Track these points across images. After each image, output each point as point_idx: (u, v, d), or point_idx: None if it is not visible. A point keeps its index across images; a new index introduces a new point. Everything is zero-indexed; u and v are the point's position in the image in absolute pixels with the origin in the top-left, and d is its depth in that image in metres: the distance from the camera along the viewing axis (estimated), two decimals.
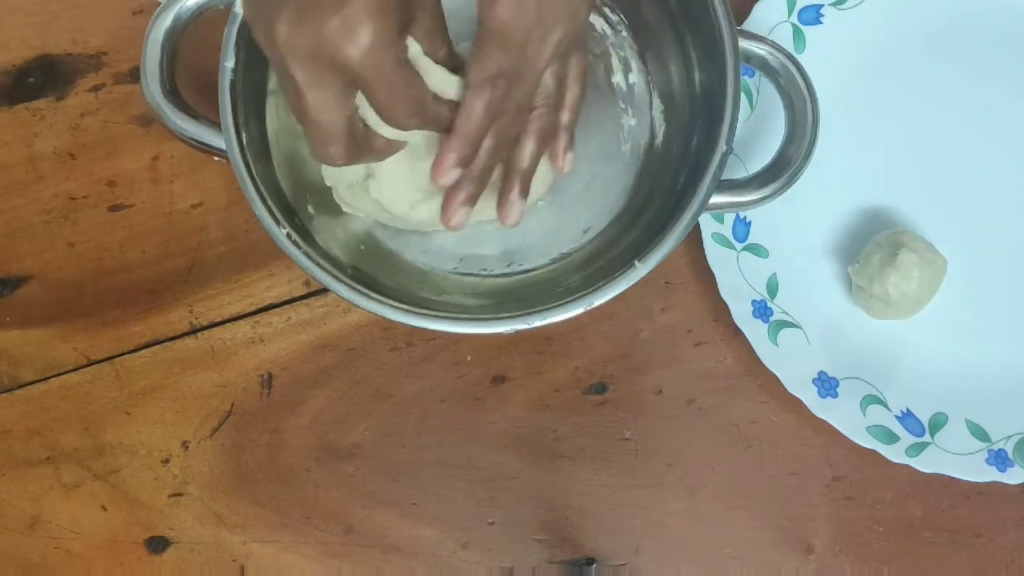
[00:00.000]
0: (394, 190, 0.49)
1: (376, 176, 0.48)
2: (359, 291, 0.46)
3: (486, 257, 0.54)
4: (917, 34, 0.57)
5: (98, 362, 0.57)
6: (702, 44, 0.49)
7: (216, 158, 0.49)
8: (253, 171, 0.46)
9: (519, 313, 0.46)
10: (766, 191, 0.49)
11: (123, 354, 0.57)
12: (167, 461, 0.56)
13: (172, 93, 0.49)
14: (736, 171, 0.54)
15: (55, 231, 0.57)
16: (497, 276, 0.53)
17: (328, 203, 0.52)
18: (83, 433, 0.56)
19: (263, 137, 0.49)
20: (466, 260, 0.54)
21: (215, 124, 0.47)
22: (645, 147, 0.54)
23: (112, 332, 0.57)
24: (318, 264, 0.46)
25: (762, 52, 0.49)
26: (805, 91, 0.49)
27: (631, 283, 0.46)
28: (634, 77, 0.55)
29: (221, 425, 0.56)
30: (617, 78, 0.55)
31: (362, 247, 0.53)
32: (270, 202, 0.46)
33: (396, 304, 0.46)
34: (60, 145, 0.58)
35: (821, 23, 0.56)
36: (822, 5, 0.56)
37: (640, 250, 0.47)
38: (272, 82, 0.50)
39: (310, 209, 0.51)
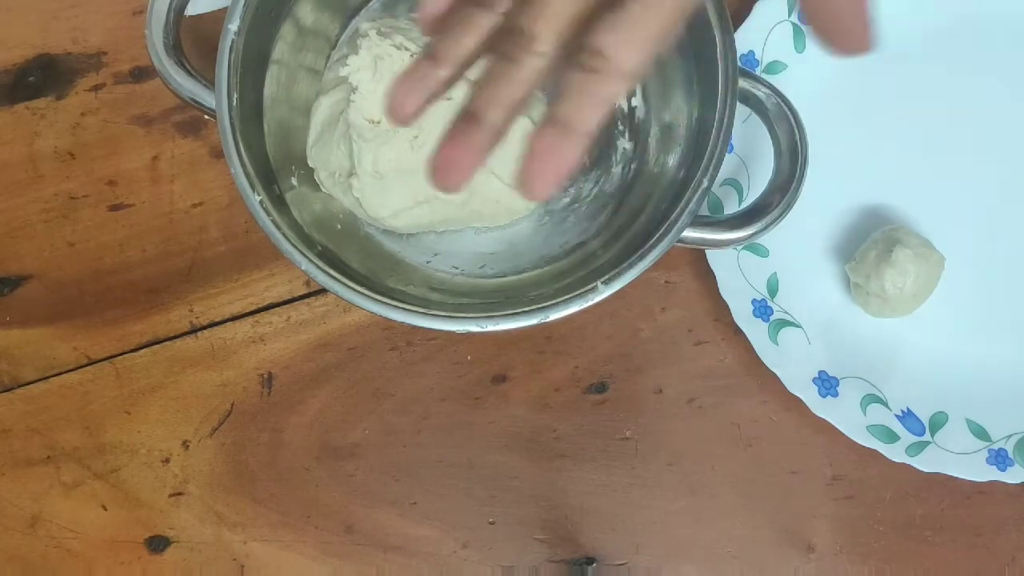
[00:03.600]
0: (377, 194, 0.49)
1: (360, 177, 0.48)
2: (326, 272, 0.46)
3: (462, 257, 0.54)
4: (916, 33, 0.57)
5: (98, 361, 0.57)
6: (706, 82, 0.49)
7: (207, 116, 0.50)
8: (238, 132, 0.47)
9: (474, 316, 0.46)
10: (741, 233, 0.48)
11: (123, 353, 0.57)
12: (167, 460, 0.56)
13: (175, 48, 0.49)
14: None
15: (55, 231, 0.57)
16: (468, 276, 0.53)
17: (313, 178, 0.52)
18: (83, 432, 0.56)
19: (257, 104, 0.50)
20: (441, 256, 0.54)
21: (210, 85, 0.48)
22: (635, 171, 0.54)
23: (112, 331, 0.57)
24: (284, 235, 0.46)
25: (760, 94, 0.48)
26: (798, 139, 0.48)
27: (590, 303, 0.45)
28: (636, 101, 0.54)
29: (221, 424, 0.56)
30: (619, 99, 0.54)
31: (339, 226, 0.52)
32: (249, 166, 0.47)
33: (359, 288, 0.46)
34: (60, 144, 0.58)
35: None
36: None
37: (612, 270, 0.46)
38: (275, 52, 0.51)
39: (294, 181, 0.51)
